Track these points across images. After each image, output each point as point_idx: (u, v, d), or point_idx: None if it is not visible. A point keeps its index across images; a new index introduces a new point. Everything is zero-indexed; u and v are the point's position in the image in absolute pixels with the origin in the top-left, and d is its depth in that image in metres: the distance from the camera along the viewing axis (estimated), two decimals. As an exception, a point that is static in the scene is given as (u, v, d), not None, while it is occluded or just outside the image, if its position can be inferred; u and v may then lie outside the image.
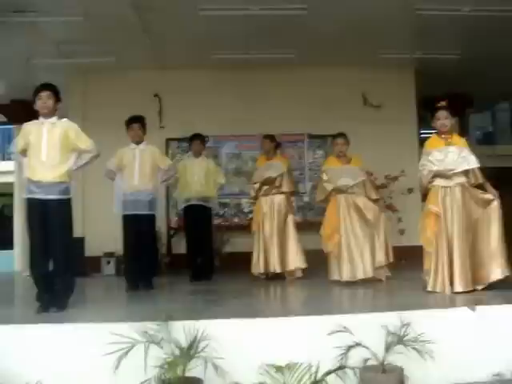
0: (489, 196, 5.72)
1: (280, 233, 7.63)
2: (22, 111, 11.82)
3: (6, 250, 15.01)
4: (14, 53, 9.11)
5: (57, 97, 5.32)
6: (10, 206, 15.53)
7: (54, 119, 5.30)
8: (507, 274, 5.55)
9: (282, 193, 7.76)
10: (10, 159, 17.37)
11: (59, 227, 5.15)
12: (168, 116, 10.24)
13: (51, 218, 5.11)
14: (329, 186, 6.94)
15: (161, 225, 8.88)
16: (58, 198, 5.15)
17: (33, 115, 12.08)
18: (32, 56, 9.32)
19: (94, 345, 4.13)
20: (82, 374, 4.10)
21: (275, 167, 7.83)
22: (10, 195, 15.58)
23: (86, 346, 4.19)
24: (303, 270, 7.61)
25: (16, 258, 12.04)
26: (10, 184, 14.14)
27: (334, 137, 7.22)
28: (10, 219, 14.54)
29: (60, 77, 8.63)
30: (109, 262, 9.39)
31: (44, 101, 5.24)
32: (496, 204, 5.67)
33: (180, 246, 9.48)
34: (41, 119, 5.30)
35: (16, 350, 4.21)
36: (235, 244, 9.60)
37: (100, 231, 9.09)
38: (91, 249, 9.12)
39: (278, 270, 7.54)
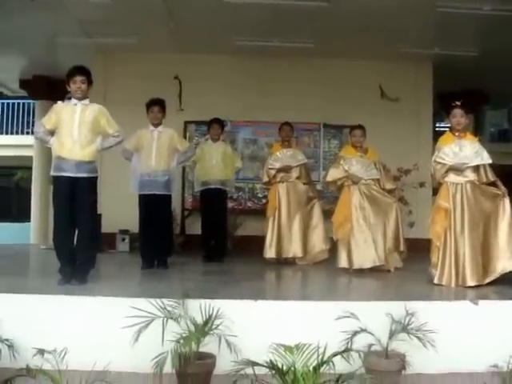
0: (498, 191, 5.87)
1: (302, 218, 7.81)
2: (44, 87, 12.18)
3: (22, 223, 15.32)
4: (39, 30, 9.27)
5: (90, 80, 5.52)
6: (27, 180, 15.80)
7: (86, 101, 5.53)
8: None
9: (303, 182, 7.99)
10: (28, 133, 17.65)
11: (87, 204, 5.42)
12: (187, 99, 10.35)
13: (79, 195, 5.35)
14: (342, 172, 7.05)
15: (175, 205, 9.06)
16: (87, 176, 5.40)
17: (54, 91, 12.34)
18: (56, 34, 9.44)
19: (113, 317, 4.38)
20: (102, 345, 4.33)
21: (297, 156, 8.04)
22: (27, 168, 15.87)
23: (106, 318, 4.45)
24: (328, 251, 7.82)
25: (32, 231, 12.26)
26: (28, 157, 14.39)
27: (352, 128, 7.33)
28: (26, 192, 14.81)
29: (82, 55, 8.82)
30: (124, 239, 9.63)
31: (79, 85, 5.46)
32: (506, 200, 5.82)
33: (193, 227, 9.68)
34: (73, 101, 5.51)
35: (41, 319, 4.48)
36: (248, 228, 9.75)
37: (115, 209, 9.23)
38: (106, 226, 9.29)
39: (299, 254, 7.73)
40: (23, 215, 16.56)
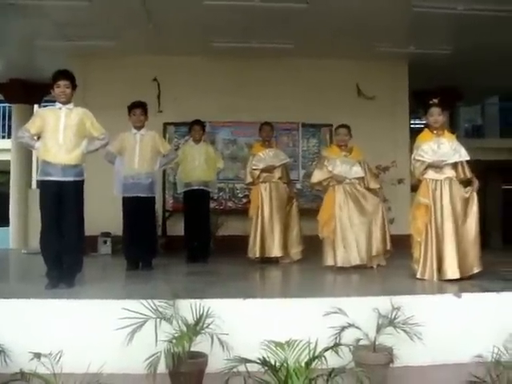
0: (466, 194, 6.03)
1: (282, 218, 7.89)
2: (21, 90, 12.09)
3: (1, 228, 15.15)
4: (16, 33, 9.24)
5: (74, 84, 5.54)
6: (4, 184, 15.65)
7: (70, 105, 5.54)
8: (481, 268, 5.91)
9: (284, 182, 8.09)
10: (3, 137, 17.49)
11: (74, 207, 5.46)
12: (166, 101, 10.37)
13: (66, 199, 5.39)
14: (327, 173, 7.11)
15: (157, 207, 9.08)
16: (73, 180, 5.44)
17: (31, 95, 12.22)
18: (34, 37, 9.41)
19: (105, 320, 4.43)
20: (95, 347, 4.39)
21: (279, 156, 8.13)
22: (3, 173, 15.75)
23: (98, 321, 4.50)
24: (302, 252, 7.98)
25: (12, 236, 12.17)
26: (5, 162, 14.29)
27: (337, 127, 7.46)
28: (3, 196, 14.67)
29: (60, 59, 8.77)
30: (105, 242, 9.64)
31: (62, 89, 5.47)
32: (475, 201, 6.00)
33: (175, 228, 9.73)
34: (58, 105, 5.51)
35: (33, 323, 4.53)
36: (229, 228, 9.81)
37: (96, 211, 9.16)
38: (87, 228, 9.22)
39: (279, 254, 7.82)
40: (0, 220, 16.42)
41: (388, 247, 7.06)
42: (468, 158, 6.12)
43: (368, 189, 7.17)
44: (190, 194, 8.17)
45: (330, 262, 6.93)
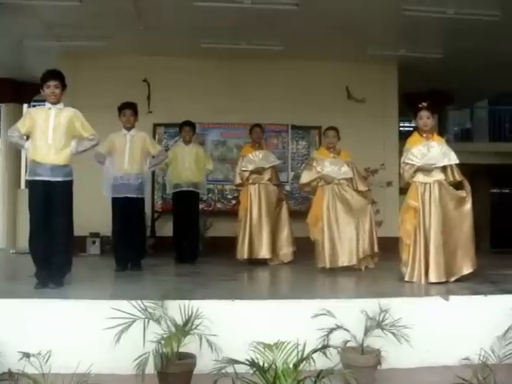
0: (462, 194, 6.08)
1: (271, 220, 7.91)
2: (10, 89, 12.04)
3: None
4: (6, 33, 9.18)
5: (63, 84, 5.53)
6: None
7: (60, 105, 5.54)
8: (475, 268, 5.96)
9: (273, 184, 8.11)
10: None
11: (63, 207, 5.45)
12: (156, 102, 10.36)
13: (55, 199, 5.38)
14: (315, 174, 7.14)
15: (146, 208, 9.06)
16: (62, 180, 5.43)
17: (20, 94, 12.16)
18: (24, 37, 9.39)
19: (94, 320, 4.43)
20: (84, 347, 4.38)
21: (269, 158, 8.14)
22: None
23: (87, 321, 4.50)
24: (293, 253, 8.00)
25: (0, 235, 12.10)
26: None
27: (326, 129, 7.47)
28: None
29: (50, 59, 8.79)
30: (94, 242, 9.63)
31: (52, 90, 5.45)
32: (469, 202, 6.05)
33: (163, 229, 9.76)
34: (48, 105, 5.50)
35: (21, 323, 4.52)
36: (218, 229, 9.82)
37: (85, 212, 9.14)
38: (76, 229, 9.21)
39: (267, 256, 7.83)
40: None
41: (375, 249, 7.09)
42: (457, 162, 6.15)
43: (356, 191, 7.19)
44: (179, 195, 8.18)
45: (322, 263, 6.94)
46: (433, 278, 5.83)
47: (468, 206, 6.05)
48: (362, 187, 7.29)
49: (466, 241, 6.01)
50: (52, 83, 5.46)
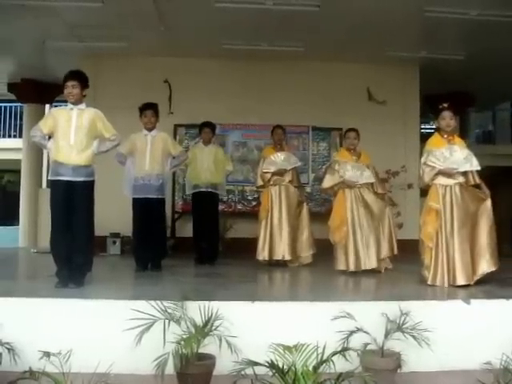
0: (482, 194, 6.04)
1: (291, 221, 7.87)
2: (32, 90, 12.17)
3: (10, 226, 15.24)
4: (29, 34, 9.30)
5: (83, 84, 5.56)
6: (14, 183, 15.73)
7: (82, 106, 5.57)
8: (495, 268, 5.88)
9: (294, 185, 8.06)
10: (15, 136, 17.58)
11: (84, 207, 5.49)
12: (177, 102, 10.42)
13: (77, 199, 5.42)
14: (338, 178, 7.07)
15: (167, 208, 9.09)
16: (84, 180, 5.47)
17: (42, 95, 12.31)
18: (46, 38, 9.49)
19: (114, 320, 4.44)
20: (104, 347, 4.39)
21: (290, 159, 8.09)
22: (14, 171, 15.83)
23: (107, 321, 4.52)
24: (312, 256, 7.95)
25: (21, 235, 12.22)
26: (15, 161, 14.39)
27: (346, 131, 7.43)
28: (13, 195, 14.76)
29: (72, 60, 8.84)
30: (115, 242, 9.70)
31: (69, 90, 5.50)
32: (488, 202, 5.99)
33: (184, 230, 9.78)
34: (69, 105, 5.54)
35: (42, 322, 4.55)
36: (238, 230, 9.84)
37: (105, 212, 9.19)
38: (96, 229, 9.27)
39: (287, 257, 7.78)
40: (10, 219, 16.52)
41: (395, 252, 7.06)
42: (479, 168, 6.07)
43: (375, 193, 7.16)
44: (198, 196, 8.18)
45: (341, 266, 6.91)
46: (461, 281, 5.75)
47: (488, 204, 5.98)
48: (381, 190, 7.23)
49: (488, 240, 5.93)
50: (70, 83, 5.50)
